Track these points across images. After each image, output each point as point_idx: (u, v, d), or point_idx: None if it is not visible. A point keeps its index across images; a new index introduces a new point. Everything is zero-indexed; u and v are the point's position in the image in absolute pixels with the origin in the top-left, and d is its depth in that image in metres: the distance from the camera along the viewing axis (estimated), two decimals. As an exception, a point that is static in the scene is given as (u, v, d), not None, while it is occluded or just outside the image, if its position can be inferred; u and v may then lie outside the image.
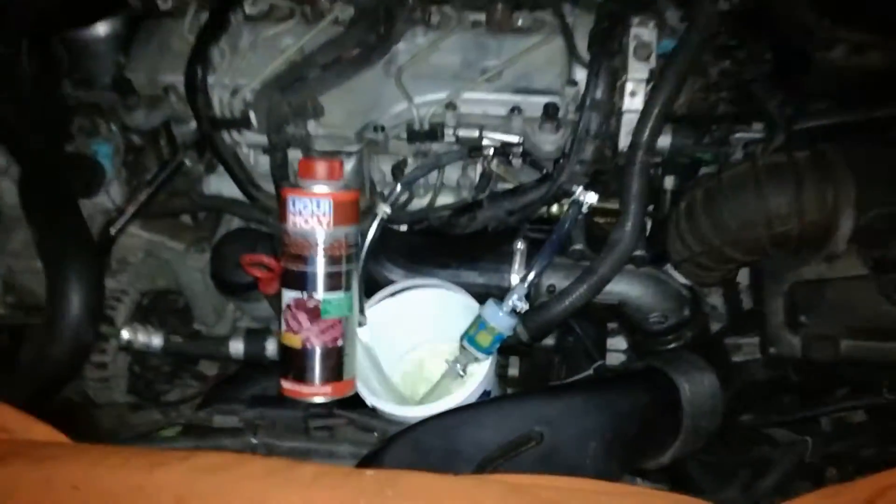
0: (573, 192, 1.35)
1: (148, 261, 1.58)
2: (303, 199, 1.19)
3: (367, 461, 1.14)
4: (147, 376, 1.57)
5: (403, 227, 1.50)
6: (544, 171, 1.49)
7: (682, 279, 1.46)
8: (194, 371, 1.70)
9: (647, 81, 1.34)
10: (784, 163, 1.26)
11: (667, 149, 1.40)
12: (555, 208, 1.47)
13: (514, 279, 1.42)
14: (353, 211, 1.23)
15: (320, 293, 1.21)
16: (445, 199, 1.53)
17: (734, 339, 1.36)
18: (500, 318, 1.23)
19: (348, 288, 1.24)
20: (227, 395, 1.44)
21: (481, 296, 1.39)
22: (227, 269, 1.51)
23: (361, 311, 1.33)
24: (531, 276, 1.25)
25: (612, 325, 1.67)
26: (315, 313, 1.21)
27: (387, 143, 1.35)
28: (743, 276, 1.51)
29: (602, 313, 1.49)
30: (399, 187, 1.37)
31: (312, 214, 1.19)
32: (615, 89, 1.34)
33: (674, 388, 1.26)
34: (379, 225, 1.35)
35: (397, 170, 1.47)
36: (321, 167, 1.21)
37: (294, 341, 1.22)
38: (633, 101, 1.35)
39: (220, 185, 1.54)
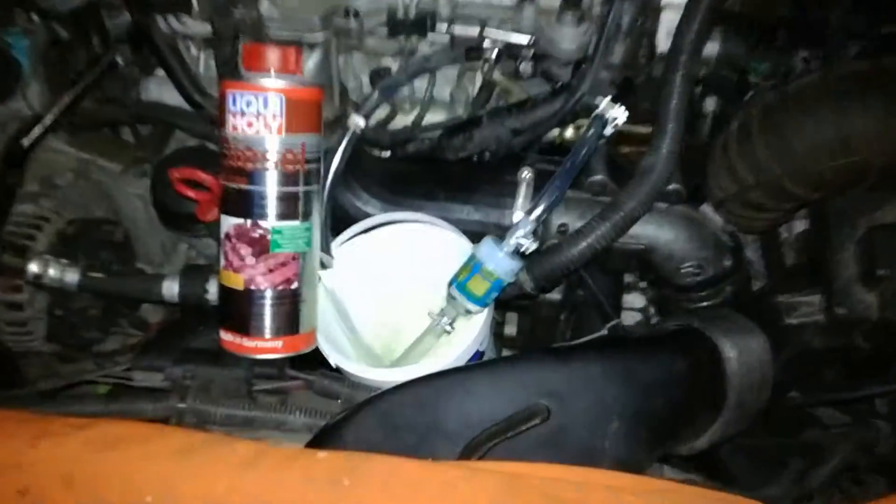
0: (596, 107, 1.07)
1: (79, 184, 1.29)
2: (246, 95, 0.91)
3: (322, 437, 0.88)
4: (71, 320, 1.29)
5: (382, 153, 1.21)
6: (558, 83, 1.21)
7: (722, 222, 1.18)
8: (133, 317, 1.43)
9: (695, -33, 1.05)
10: (869, 72, 0.97)
11: (713, 57, 1.11)
12: (569, 132, 1.19)
13: (518, 215, 1.14)
14: (314, 113, 0.95)
15: (270, 220, 0.94)
16: (435, 116, 1.24)
17: (787, 297, 1.09)
18: (500, 260, 0.95)
19: (307, 215, 0.97)
20: (165, 348, 1.17)
21: (476, 235, 1.12)
22: (172, 196, 1.23)
23: (326, 249, 1.06)
24: (539, 209, 0.98)
25: (628, 279, 1.40)
26: (262, 246, 0.94)
27: (361, 34, 1.06)
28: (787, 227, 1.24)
29: (622, 261, 1.21)
30: (377, 94, 1.09)
31: (259, 115, 0.91)
32: (654, -29, 1.05)
33: (716, 352, 1.00)
34: (350, 141, 1.07)
35: (375, 75, 1.18)
36: (272, 53, 0.92)
37: (235, 281, 0.95)
38: (674, -5, 1.07)
39: (161, 90, 1.26)
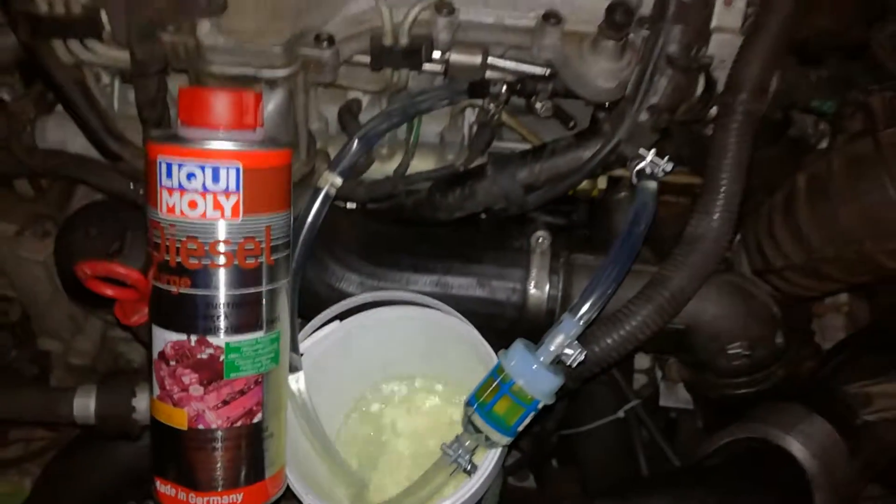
0: (636, 159, 0.84)
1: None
2: (188, 164, 0.64)
3: None
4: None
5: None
6: (572, 124, 0.98)
7: (768, 290, 0.98)
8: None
9: (755, -22, 0.84)
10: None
11: (771, 91, 0.90)
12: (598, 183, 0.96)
13: (535, 292, 0.91)
14: (282, 184, 0.70)
15: (223, 335, 0.67)
16: (422, 163, 0.99)
17: (859, 387, 0.90)
18: (537, 375, 0.72)
19: (273, 323, 0.70)
20: (68, 477, 0.88)
21: (479, 317, 0.89)
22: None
23: (294, 347, 0.80)
24: (590, 302, 0.74)
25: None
26: (213, 371, 0.68)
27: (336, 65, 0.79)
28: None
29: (655, 345, 1.00)
30: (355, 144, 0.83)
31: (206, 192, 0.64)
32: (710, -11, 0.83)
33: (802, 479, 0.79)
34: (322, 206, 0.81)
35: (347, 115, 0.92)
36: (223, 102, 0.66)
37: (175, 418, 0.69)
38: (730, 13, 0.85)
39: (64, 132, 0.96)
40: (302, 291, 0.88)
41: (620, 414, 1.12)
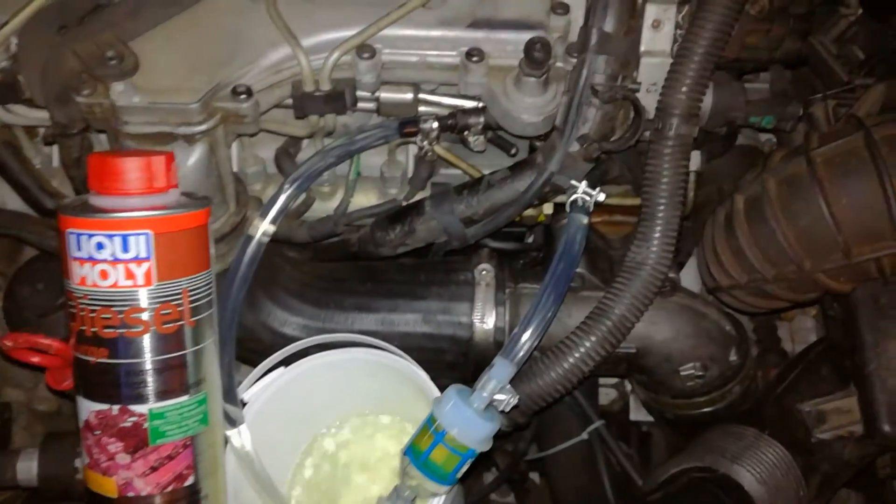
0: (569, 189, 0.83)
1: None
2: (96, 235, 0.63)
3: None
4: None
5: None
6: (514, 151, 0.97)
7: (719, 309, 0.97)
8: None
9: (680, 3, 0.83)
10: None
11: (707, 111, 0.89)
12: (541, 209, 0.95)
13: (481, 325, 0.91)
14: (199, 244, 0.69)
15: (146, 402, 0.67)
16: (364, 198, 0.98)
17: (813, 405, 0.89)
18: (471, 423, 0.71)
19: (199, 384, 0.70)
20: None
21: (428, 353, 0.89)
22: (33, 320, 0.95)
23: (231, 398, 0.79)
24: (525, 339, 0.73)
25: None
26: (138, 438, 0.67)
27: (256, 116, 0.78)
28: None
29: (607, 369, 0.99)
30: (287, 191, 0.82)
31: (116, 262, 0.64)
32: (634, 15, 0.82)
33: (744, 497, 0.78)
34: (255, 255, 0.80)
35: (283, 156, 0.91)
36: (129, 169, 0.65)
37: (105, 487, 0.68)
38: (658, 37, 0.84)
39: (1, 190, 0.95)
40: (244, 339, 0.87)
41: (584, 436, 1.11)
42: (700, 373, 0.94)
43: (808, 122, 0.98)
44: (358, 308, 0.92)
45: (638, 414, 1.19)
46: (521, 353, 0.73)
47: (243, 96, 0.76)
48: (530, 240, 1.10)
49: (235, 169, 0.91)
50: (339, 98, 0.80)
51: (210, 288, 0.70)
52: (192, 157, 0.76)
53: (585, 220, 0.80)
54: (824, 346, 0.97)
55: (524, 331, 0.74)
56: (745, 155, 1.11)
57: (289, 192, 0.82)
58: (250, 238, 0.81)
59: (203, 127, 0.75)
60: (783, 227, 0.80)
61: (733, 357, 0.95)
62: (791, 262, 0.81)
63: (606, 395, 1.27)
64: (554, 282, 0.76)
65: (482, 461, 0.80)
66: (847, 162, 0.76)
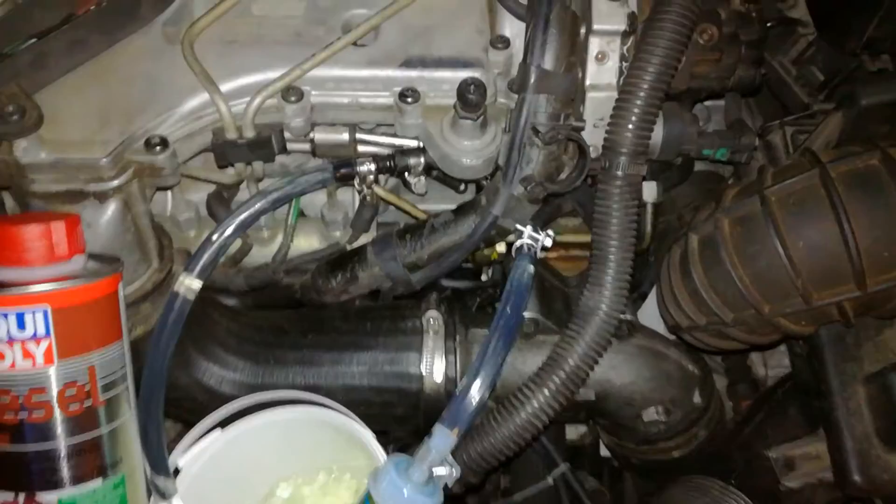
0: (515, 231, 0.79)
1: None
2: (-12, 314, 0.58)
3: None
4: None
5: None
6: (463, 188, 0.93)
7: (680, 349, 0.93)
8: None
9: (625, 34, 0.78)
10: (877, 169, 0.73)
11: (657, 145, 0.85)
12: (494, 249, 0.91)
13: (430, 377, 0.86)
14: (107, 315, 0.64)
15: (55, 489, 0.62)
16: (305, 241, 0.93)
17: (782, 451, 0.85)
18: (411, 501, 0.65)
19: (115, 465, 0.65)
20: None
21: (376, 407, 0.84)
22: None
23: (162, 469, 0.74)
24: (469, 399, 0.69)
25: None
26: (45, 529, 0.61)
27: (174, 168, 0.73)
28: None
29: (567, 417, 0.95)
30: (217, 240, 0.77)
31: (12, 342, 0.58)
32: (574, 50, 0.77)
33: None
34: (181, 313, 0.75)
35: (216, 202, 0.86)
36: (25, 239, 0.60)
37: (11, 581, 0.62)
38: (603, 70, 0.80)
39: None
40: (179, 399, 0.82)
41: (549, 481, 1.06)
42: (663, 417, 0.90)
43: (765, 150, 0.94)
44: (299, 362, 0.87)
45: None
46: (466, 417, 0.68)
47: (158, 148, 0.71)
48: (488, 275, 1.06)
49: (167, 214, 0.86)
50: (264, 145, 0.75)
51: (122, 361, 0.65)
52: (105, 215, 0.71)
53: (531, 268, 0.76)
54: (790, 385, 0.93)
55: (468, 389, 0.69)
56: (704, 181, 1.07)
57: (217, 242, 0.77)
58: (176, 295, 0.76)
59: (115, 183, 0.70)
60: (739, 271, 0.76)
61: (697, 399, 0.91)
62: (749, 306, 0.77)
63: (576, 429, 1.22)
64: (499, 333, 0.72)
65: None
66: (803, 202, 0.72)
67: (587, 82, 0.81)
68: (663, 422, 0.90)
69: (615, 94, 0.79)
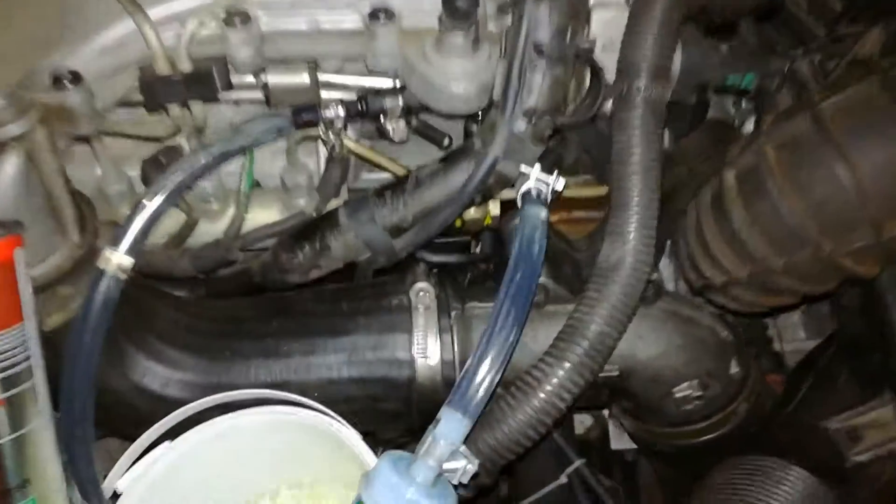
0: (519, 178, 0.65)
1: None
2: None
3: None
4: None
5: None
6: (447, 142, 0.78)
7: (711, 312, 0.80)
8: None
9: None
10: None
11: (675, 75, 0.72)
12: (481, 211, 0.77)
13: (423, 361, 0.71)
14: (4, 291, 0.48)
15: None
16: (262, 214, 0.78)
17: (843, 421, 0.72)
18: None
19: (23, 486, 0.49)
20: None
21: (359, 402, 0.71)
22: None
23: (92, 493, 0.58)
24: (481, 376, 0.55)
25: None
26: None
27: (91, 111, 0.58)
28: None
29: (587, 399, 0.81)
30: (149, 205, 0.61)
31: None
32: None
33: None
34: (109, 297, 0.59)
35: (153, 169, 0.71)
36: None
37: None
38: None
39: None
40: (113, 407, 0.67)
41: (563, 479, 0.92)
42: (698, 392, 0.77)
43: (792, 82, 0.82)
44: (263, 354, 0.72)
45: (619, 442, 1.02)
46: (478, 399, 0.54)
47: (69, 84, 0.55)
48: (476, 250, 0.92)
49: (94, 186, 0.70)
50: (204, 79, 0.61)
51: (25, 351, 0.49)
52: (5, 172, 0.55)
53: (543, 213, 0.62)
54: (837, 347, 0.80)
55: (479, 365, 0.55)
56: (716, 130, 0.95)
57: (151, 208, 0.62)
58: (101, 274, 0.60)
59: (14, 129, 0.55)
60: (791, 202, 0.63)
61: (735, 369, 0.79)
62: (805, 246, 0.64)
63: (581, 422, 1.10)
64: (511, 296, 0.58)
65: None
66: (868, 114, 0.60)
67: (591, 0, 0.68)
68: (698, 397, 0.77)
69: (626, 12, 0.67)
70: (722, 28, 0.83)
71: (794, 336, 0.96)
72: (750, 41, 0.83)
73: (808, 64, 0.81)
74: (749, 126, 0.95)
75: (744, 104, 0.94)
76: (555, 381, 0.64)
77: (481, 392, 0.56)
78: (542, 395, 0.63)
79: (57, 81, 0.56)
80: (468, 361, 0.58)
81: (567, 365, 0.64)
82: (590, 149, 0.78)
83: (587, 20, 0.68)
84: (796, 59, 0.83)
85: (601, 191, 0.84)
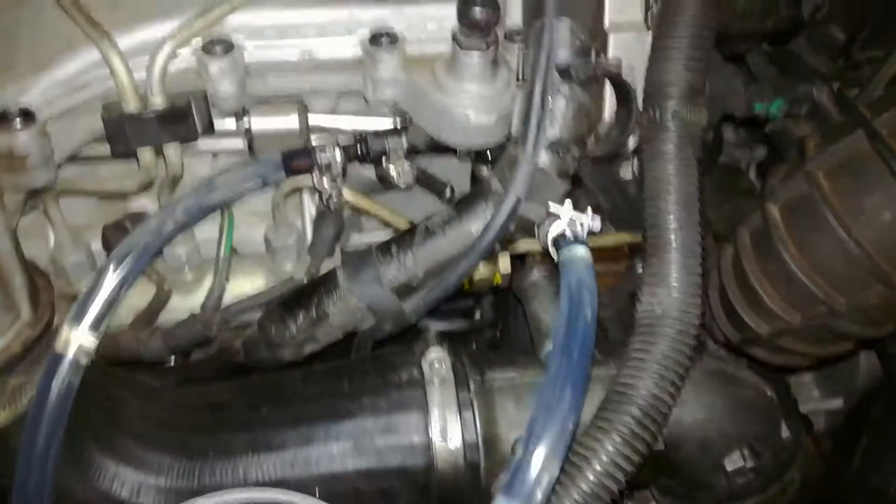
0: (547, 220, 0.57)
1: None
2: None
3: None
4: None
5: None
6: (447, 192, 0.70)
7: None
8: None
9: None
10: None
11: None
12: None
13: (443, 444, 0.61)
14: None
15: None
16: (245, 282, 0.68)
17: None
18: None
19: None
20: None
21: (370, 498, 0.64)
22: None
23: None
24: (538, 463, 0.44)
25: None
26: None
27: (46, 156, 0.48)
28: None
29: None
30: (111, 274, 0.50)
31: None
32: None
33: None
34: (68, 387, 0.48)
35: (114, 234, 0.60)
36: None
37: None
38: (626, 4, 0.63)
39: None
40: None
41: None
42: (752, 463, 0.67)
43: (809, 114, 0.77)
44: (252, 448, 0.61)
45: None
46: (541, 493, 0.43)
47: (18, 122, 0.46)
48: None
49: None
50: (182, 117, 0.51)
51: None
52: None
53: (586, 254, 0.53)
54: (890, 399, 0.72)
55: (535, 447, 0.45)
56: (723, 174, 0.90)
57: (117, 277, 0.51)
58: (59, 359, 0.49)
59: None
60: (857, 231, 0.56)
61: (785, 433, 0.70)
62: (875, 282, 0.56)
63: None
64: (567, 365, 0.48)
65: None
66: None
67: (607, 22, 0.62)
68: (752, 468, 0.67)
69: (645, 35, 0.61)
70: (733, 51, 0.78)
71: (809, 396, 0.88)
72: (767, 68, 0.78)
73: (827, 93, 0.77)
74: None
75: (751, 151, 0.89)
76: (604, 458, 0.53)
77: (544, 485, 0.45)
78: (590, 478, 0.53)
79: (3, 120, 0.46)
80: (517, 446, 0.47)
81: (617, 439, 0.54)
82: (605, 189, 0.70)
83: (604, 44, 0.62)
84: (815, 87, 0.79)
85: (619, 238, 0.76)
